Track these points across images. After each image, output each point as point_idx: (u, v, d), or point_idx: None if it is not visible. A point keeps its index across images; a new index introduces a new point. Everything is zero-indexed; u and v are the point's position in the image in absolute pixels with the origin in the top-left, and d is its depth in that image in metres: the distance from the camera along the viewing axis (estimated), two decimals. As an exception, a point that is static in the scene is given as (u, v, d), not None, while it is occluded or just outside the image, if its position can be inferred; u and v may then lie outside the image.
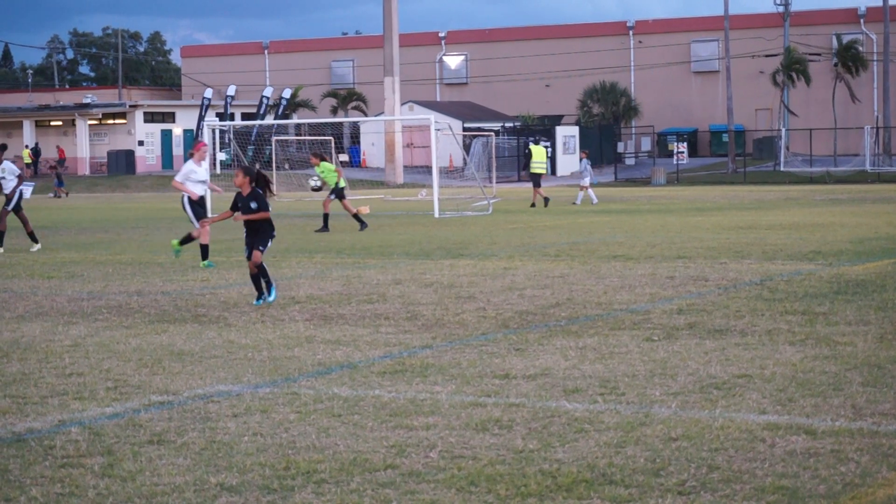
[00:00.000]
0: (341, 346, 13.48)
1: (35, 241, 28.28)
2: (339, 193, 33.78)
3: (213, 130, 58.86)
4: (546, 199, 46.58)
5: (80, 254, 26.77)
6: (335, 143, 71.65)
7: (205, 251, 22.72)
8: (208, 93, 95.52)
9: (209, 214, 23.22)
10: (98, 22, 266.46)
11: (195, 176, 23.07)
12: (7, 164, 27.95)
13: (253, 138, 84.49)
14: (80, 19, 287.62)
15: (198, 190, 23.04)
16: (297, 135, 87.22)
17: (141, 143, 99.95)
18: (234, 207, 17.03)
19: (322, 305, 16.97)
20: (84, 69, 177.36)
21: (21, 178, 28.03)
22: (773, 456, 8.45)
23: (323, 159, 34.38)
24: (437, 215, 40.43)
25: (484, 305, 16.60)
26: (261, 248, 16.80)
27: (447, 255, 24.63)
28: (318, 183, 38.28)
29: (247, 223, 16.91)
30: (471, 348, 13.18)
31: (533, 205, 46.55)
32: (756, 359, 12.12)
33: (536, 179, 47.81)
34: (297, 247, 27.37)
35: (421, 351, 13.11)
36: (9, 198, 27.77)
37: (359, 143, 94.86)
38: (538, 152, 48.57)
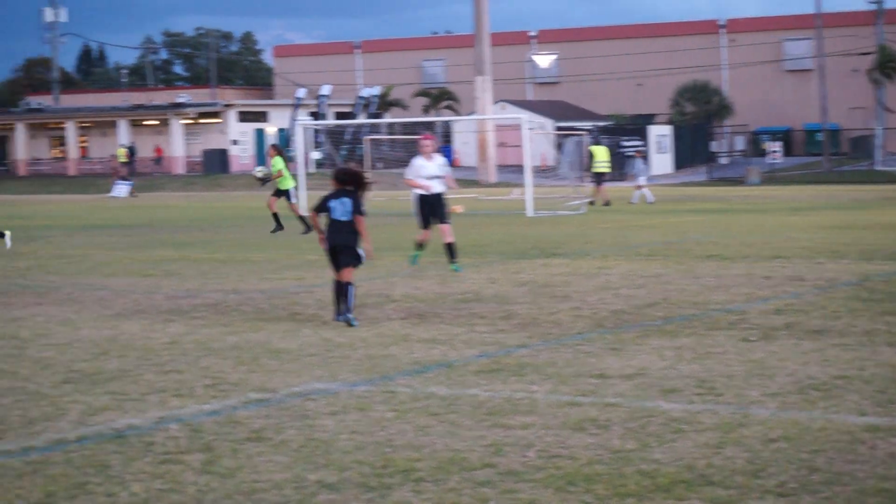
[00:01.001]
0: (437, 345, 13.50)
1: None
2: (279, 193, 33.33)
3: (306, 130, 59.09)
4: (607, 201, 46.91)
5: (176, 252, 27.03)
6: (427, 142, 71.59)
7: (450, 250, 21.51)
8: (300, 92, 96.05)
9: (447, 211, 21.73)
10: (190, 22, 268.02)
11: (424, 171, 21.68)
12: None
13: (349, 137, 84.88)
14: (171, 20, 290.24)
15: (433, 186, 21.65)
16: (389, 134, 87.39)
17: (234, 142, 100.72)
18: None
19: (417, 304, 17.01)
20: (178, 69, 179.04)
21: None
22: (874, 458, 8.35)
23: (279, 153, 33.85)
24: (530, 214, 40.39)
25: (579, 305, 16.56)
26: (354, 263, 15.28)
27: (541, 254, 24.60)
28: (262, 174, 37.65)
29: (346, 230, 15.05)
30: (566, 348, 13.15)
31: (592, 202, 46.88)
32: (855, 360, 11.98)
33: (599, 178, 48.36)
34: (391, 245, 27.43)
35: (516, 350, 13.10)
36: None
37: (451, 142, 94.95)
38: (600, 152, 49.12)
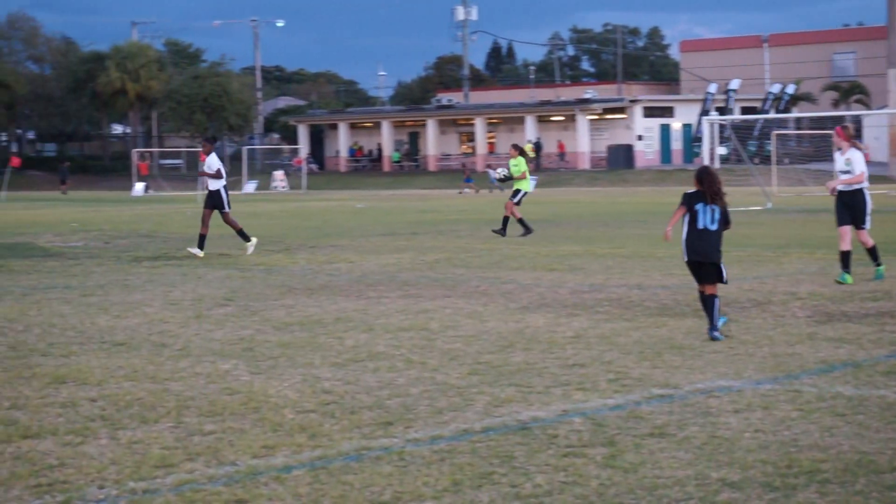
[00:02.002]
0: (844, 344, 13.15)
1: (247, 238, 26.74)
2: (515, 195, 31.84)
3: (712, 125, 58.63)
4: None
5: (581, 247, 27.26)
6: (837, 136, 69.88)
7: (844, 259, 19.04)
8: (712, 87, 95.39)
9: (868, 211, 18.94)
10: (598, 18, 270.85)
11: (836, 167, 19.60)
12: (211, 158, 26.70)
13: (756, 133, 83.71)
14: (580, 16, 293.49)
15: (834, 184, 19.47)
16: (797, 129, 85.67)
17: (640, 137, 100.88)
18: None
19: (824, 302, 16.60)
20: (584, 65, 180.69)
21: (219, 174, 26.47)
22: None
23: (522, 153, 32.45)
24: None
25: None
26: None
27: (956, 252, 23.57)
28: (504, 173, 35.09)
29: None
30: (983, 350, 12.57)
31: None
32: None
33: None
34: (797, 242, 26.88)
35: (929, 351, 12.61)
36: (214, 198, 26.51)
37: (861, 136, 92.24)
38: None
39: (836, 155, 19.64)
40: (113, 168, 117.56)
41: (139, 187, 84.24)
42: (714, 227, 13.49)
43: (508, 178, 33.47)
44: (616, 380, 11.40)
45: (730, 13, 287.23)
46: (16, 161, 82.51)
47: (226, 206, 26.24)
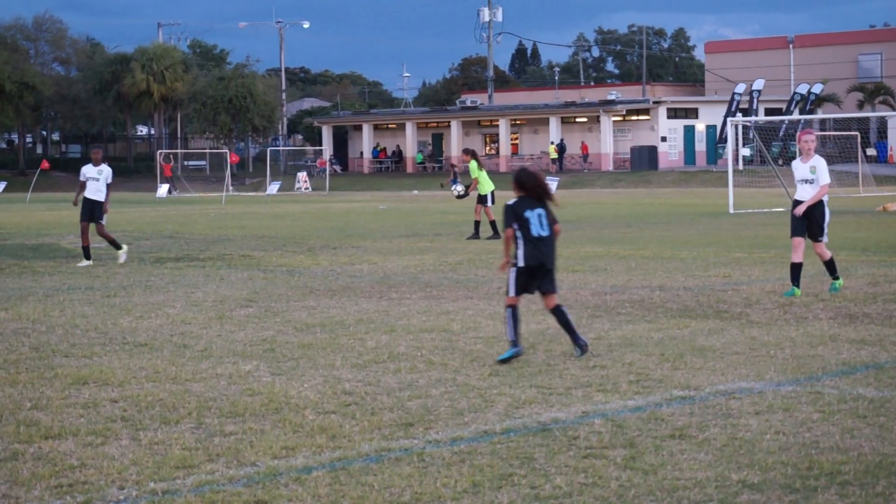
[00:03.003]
0: (867, 346, 13.11)
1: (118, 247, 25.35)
2: (481, 200, 31.45)
3: (736, 127, 58.50)
4: None
5: (603, 248, 27.22)
6: (861, 138, 69.75)
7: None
8: (739, 88, 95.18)
9: (826, 223, 17.45)
10: (623, 19, 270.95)
11: (797, 174, 17.89)
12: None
13: (781, 134, 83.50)
14: (605, 17, 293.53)
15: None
16: (821, 130, 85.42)
17: (664, 138, 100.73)
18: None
19: (846, 304, 16.55)
20: (609, 66, 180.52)
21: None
22: None
23: (475, 157, 31.73)
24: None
25: None
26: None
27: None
28: (459, 191, 33.96)
29: None
30: None
31: None
32: None
33: None
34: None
35: (952, 353, 12.57)
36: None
37: (886, 138, 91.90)
38: None
39: (797, 162, 17.78)
40: (136, 169, 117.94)
41: (164, 189, 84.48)
42: (546, 232, 12.54)
43: (465, 193, 33.08)
44: (637, 381, 11.39)
45: (755, 14, 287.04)
46: (45, 164, 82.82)
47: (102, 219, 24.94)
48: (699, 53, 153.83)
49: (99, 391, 11.21)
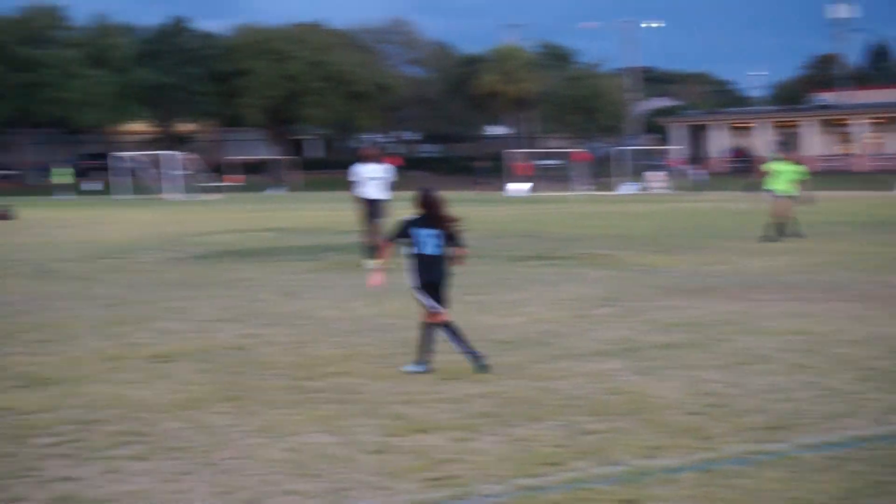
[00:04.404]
0: None
1: None
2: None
3: None
4: None
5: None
6: None
7: None
8: None
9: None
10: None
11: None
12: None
13: None
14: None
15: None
16: None
17: None
18: None
19: None
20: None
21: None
22: None
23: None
24: None
25: None
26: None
27: None
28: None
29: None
30: None
31: None
32: None
33: None
34: None
35: None
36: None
37: None
38: None
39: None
40: (487, 169, 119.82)
41: (513, 187, 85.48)
42: (437, 251, 12.16)
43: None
44: None
45: None
46: (399, 161, 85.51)
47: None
48: None
49: (465, 387, 11.39)
